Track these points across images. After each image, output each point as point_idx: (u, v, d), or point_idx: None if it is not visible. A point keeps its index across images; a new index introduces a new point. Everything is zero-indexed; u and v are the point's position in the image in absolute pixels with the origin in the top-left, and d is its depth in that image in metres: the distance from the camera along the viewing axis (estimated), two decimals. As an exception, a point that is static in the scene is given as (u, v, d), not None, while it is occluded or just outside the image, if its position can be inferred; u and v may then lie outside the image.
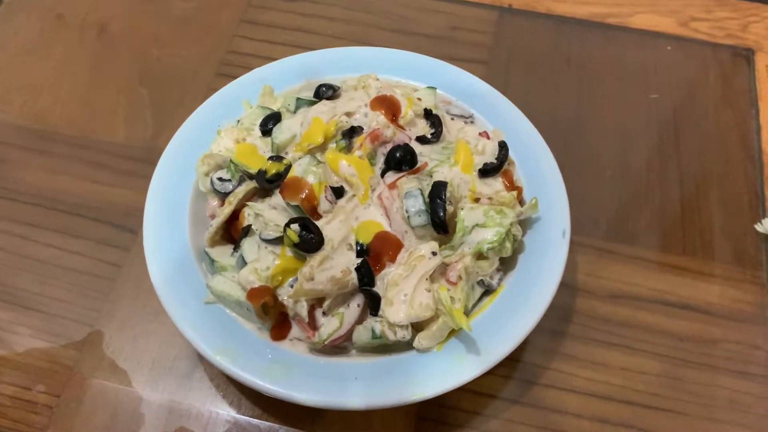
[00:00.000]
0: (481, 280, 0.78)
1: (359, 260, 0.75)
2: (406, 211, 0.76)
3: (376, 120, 0.84)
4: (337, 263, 0.74)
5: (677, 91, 1.11)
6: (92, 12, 1.22)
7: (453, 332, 0.75)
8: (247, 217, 0.79)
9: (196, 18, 1.21)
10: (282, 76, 0.95)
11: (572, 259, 0.94)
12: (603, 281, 0.93)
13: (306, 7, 1.23)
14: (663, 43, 1.18)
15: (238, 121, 0.90)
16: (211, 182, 0.83)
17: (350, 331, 0.75)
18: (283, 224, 0.74)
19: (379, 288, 0.75)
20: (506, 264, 0.81)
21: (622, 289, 0.91)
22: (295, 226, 0.73)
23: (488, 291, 0.79)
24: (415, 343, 0.73)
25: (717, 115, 1.09)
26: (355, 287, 0.75)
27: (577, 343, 0.88)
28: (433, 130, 0.86)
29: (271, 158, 0.83)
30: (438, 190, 0.76)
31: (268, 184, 0.80)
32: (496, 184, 0.81)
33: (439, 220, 0.75)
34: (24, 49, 1.17)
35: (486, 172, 0.81)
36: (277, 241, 0.75)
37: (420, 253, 0.75)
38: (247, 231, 0.78)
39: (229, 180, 0.83)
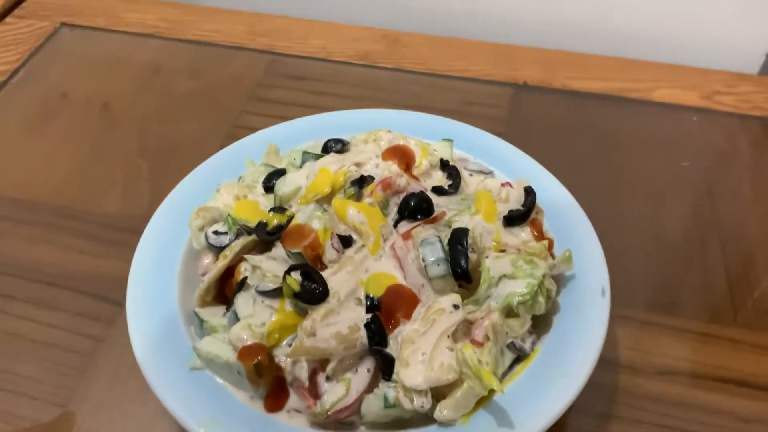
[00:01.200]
0: (512, 343, 0.67)
1: (369, 316, 0.65)
2: (423, 260, 0.67)
3: (389, 169, 0.76)
4: (343, 318, 0.64)
5: (708, 159, 1.05)
6: (97, 91, 1.19)
7: (481, 402, 0.63)
8: (244, 271, 0.70)
9: (203, 95, 1.18)
10: (289, 136, 0.89)
11: (611, 332, 0.82)
12: (648, 356, 0.81)
13: (315, 85, 1.20)
14: (688, 115, 1.13)
15: (240, 178, 0.83)
16: (206, 237, 0.74)
17: (358, 401, 0.63)
18: (282, 274, 0.65)
19: (392, 349, 0.64)
20: (539, 326, 0.70)
21: (670, 365, 0.80)
22: (295, 274, 0.64)
23: (520, 357, 0.68)
24: (436, 414, 0.61)
25: (752, 181, 1.01)
26: (365, 347, 0.64)
27: (626, 426, 0.75)
28: (450, 182, 0.78)
29: (273, 209, 0.75)
30: (459, 236, 0.68)
31: (268, 236, 0.71)
32: (524, 234, 0.72)
33: (461, 269, 0.66)
34: (25, 125, 1.13)
35: (512, 219, 0.72)
36: (275, 293, 0.66)
37: (439, 307, 0.64)
38: (242, 284, 0.68)
39: (226, 233, 0.74)
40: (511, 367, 0.68)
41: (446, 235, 0.69)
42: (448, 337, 0.63)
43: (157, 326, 0.69)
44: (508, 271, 0.67)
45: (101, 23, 1.33)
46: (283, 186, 0.78)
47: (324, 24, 1.32)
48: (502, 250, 0.70)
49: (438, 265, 0.67)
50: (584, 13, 1.29)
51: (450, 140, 0.84)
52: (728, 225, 0.95)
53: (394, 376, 0.63)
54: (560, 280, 0.73)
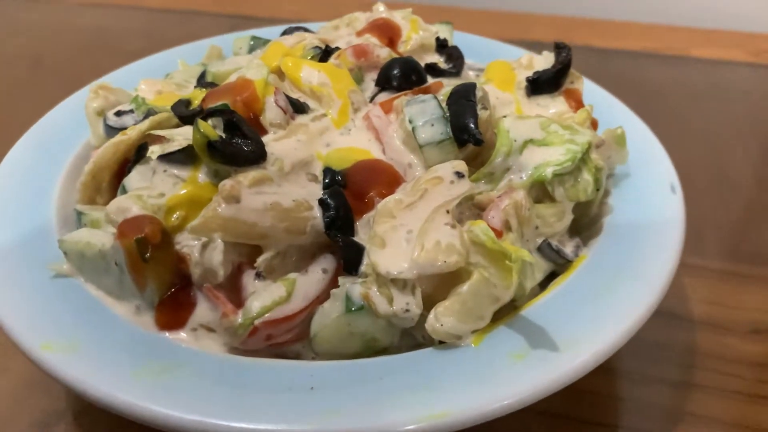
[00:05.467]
0: (546, 242, 0.44)
1: (328, 191, 0.42)
2: (410, 122, 0.45)
3: (366, 41, 0.56)
4: (286, 192, 0.41)
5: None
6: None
7: (502, 315, 0.40)
8: (150, 153, 0.47)
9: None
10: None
11: (679, 283, 0.60)
12: (735, 312, 0.59)
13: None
14: (733, 69, 0.94)
15: (167, 75, 0.62)
16: (104, 120, 0.53)
17: (306, 315, 0.40)
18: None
19: (361, 239, 0.41)
20: (583, 232, 0.48)
21: (765, 321, 0.55)
22: (214, 120, 0.42)
23: (557, 271, 0.45)
24: (429, 324, 0.38)
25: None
26: (319, 234, 0.41)
27: (712, 398, 0.51)
28: (451, 64, 0.57)
29: (199, 84, 0.54)
30: (463, 89, 0.46)
31: (186, 110, 0.50)
32: (557, 105, 0.50)
33: (468, 128, 0.44)
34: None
35: (538, 84, 0.51)
36: (185, 158, 0.43)
37: (436, 175, 0.42)
38: (139, 155, 0.46)
39: (131, 112, 0.52)
40: (546, 282, 0.44)
41: (443, 99, 0.47)
42: (448, 212, 0.40)
43: (22, 229, 0.46)
44: (537, 136, 0.45)
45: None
46: (219, 66, 0.57)
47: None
48: (526, 123, 0.48)
49: (432, 125, 0.45)
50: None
51: (449, 23, 0.63)
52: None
53: (362, 267, 0.39)
54: (611, 177, 0.50)
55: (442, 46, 0.59)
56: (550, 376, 0.36)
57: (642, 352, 0.52)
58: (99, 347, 0.38)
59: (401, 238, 0.39)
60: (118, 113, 0.52)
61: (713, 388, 0.51)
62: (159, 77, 0.61)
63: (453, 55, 0.58)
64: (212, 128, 0.41)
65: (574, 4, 1.11)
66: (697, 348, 0.55)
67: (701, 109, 0.85)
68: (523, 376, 0.36)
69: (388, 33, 0.57)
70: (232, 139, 0.42)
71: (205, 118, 0.42)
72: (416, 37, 0.58)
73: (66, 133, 0.56)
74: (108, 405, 0.35)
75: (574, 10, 1.10)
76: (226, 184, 0.39)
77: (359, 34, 0.58)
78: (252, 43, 0.62)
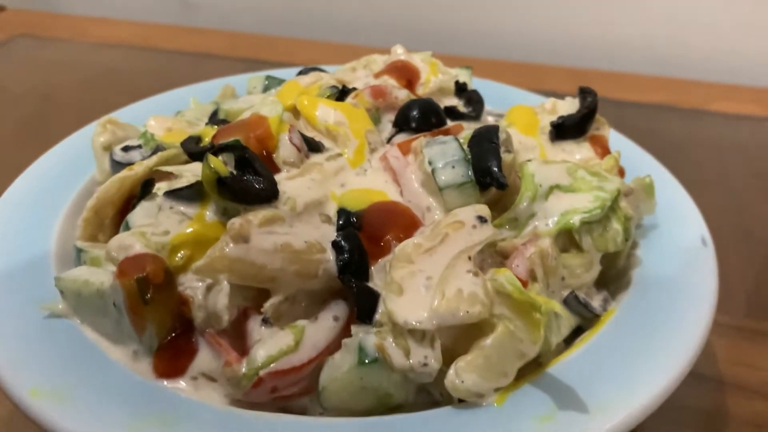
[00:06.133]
0: (574, 295, 0.41)
1: (342, 233, 0.40)
2: (430, 163, 0.43)
3: (384, 82, 0.54)
4: (298, 233, 0.39)
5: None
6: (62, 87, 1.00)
7: (526, 372, 0.37)
8: (156, 189, 0.45)
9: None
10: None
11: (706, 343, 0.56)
12: (762, 373, 0.54)
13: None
14: (751, 123, 0.92)
15: (178, 112, 0.61)
16: (111, 155, 0.51)
17: (315, 366, 0.37)
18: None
19: (376, 286, 0.39)
20: (611, 285, 0.45)
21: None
22: (225, 156, 0.40)
23: (583, 326, 0.42)
24: (449, 381, 0.35)
25: None
26: (331, 279, 0.39)
27: None
28: (469, 108, 0.56)
29: (210, 121, 0.52)
30: (485, 132, 0.44)
31: (199, 149, 0.48)
32: (582, 151, 0.48)
33: (490, 171, 0.41)
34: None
35: (563, 130, 0.49)
36: (193, 194, 0.41)
37: (456, 219, 0.40)
38: (144, 191, 0.44)
39: (138, 147, 0.51)
40: (572, 338, 0.41)
41: (463, 142, 0.45)
42: (469, 258, 0.38)
43: (17, 265, 0.44)
44: (564, 182, 0.43)
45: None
46: (232, 104, 0.55)
47: (320, 43, 1.15)
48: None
49: (453, 168, 0.43)
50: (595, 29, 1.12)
51: (469, 67, 0.62)
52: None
53: (377, 316, 0.37)
54: (638, 230, 0.48)
55: (461, 89, 0.57)
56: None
57: (666, 414, 0.49)
58: (92, 396, 0.35)
59: (420, 285, 0.36)
60: (126, 148, 0.51)
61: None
62: (169, 115, 0.60)
63: (473, 98, 0.56)
64: (223, 164, 0.39)
65: (589, 55, 1.11)
66: (725, 412, 0.52)
67: (721, 163, 0.83)
68: (554, 442, 0.33)
69: (407, 75, 0.56)
70: (243, 175, 0.39)
71: (216, 154, 0.40)
72: (435, 79, 0.56)
73: (72, 167, 0.54)
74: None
75: (590, 62, 1.10)
76: (235, 222, 0.37)
77: (377, 75, 0.57)
78: (267, 82, 0.60)
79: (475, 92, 0.56)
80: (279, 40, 1.17)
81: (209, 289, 0.37)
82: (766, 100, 0.99)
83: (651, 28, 1.10)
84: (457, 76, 0.58)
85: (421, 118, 0.49)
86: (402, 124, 0.50)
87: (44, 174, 0.53)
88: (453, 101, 0.57)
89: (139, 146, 0.50)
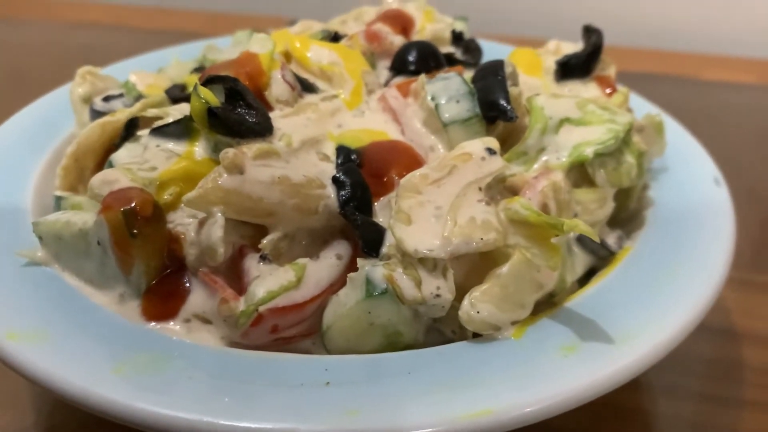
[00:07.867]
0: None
1: (342, 167, 0.38)
2: (432, 99, 0.40)
3: (378, 29, 0.52)
4: (295, 167, 0.36)
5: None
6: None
7: (543, 307, 0.35)
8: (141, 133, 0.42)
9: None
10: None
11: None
12: None
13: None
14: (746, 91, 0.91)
15: (159, 69, 0.57)
16: (91, 106, 0.48)
17: (317, 303, 0.34)
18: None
19: (381, 223, 0.36)
20: (624, 225, 0.43)
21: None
22: (216, 87, 0.37)
23: (597, 266, 0.40)
24: (464, 312, 0.32)
25: None
26: (332, 215, 0.36)
27: (748, 412, 0.45)
28: (469, 55, 0.53)
29: (196, 69, 0.49)
30: (490, 66, 0.42)
31: (182, 93, 0.45)
32: (589, 90, 0.46)
33: (498, 103, 0.39)
34: None
35: (569, 69, 0.47)
36: (181, 131, 0.38)
37: (464, 151, 0.37)
38: (129, 130, 0.41)
39: (120, 96, 0.48)
40: (586, 278, 0.39)
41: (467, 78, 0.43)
42: (480, 189, 0.35)
43: None
44: (574, 115, 0.41)
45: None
46: (218, 54, 0.53)
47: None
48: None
49: (457, 102, 0.40)
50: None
51: (465, 18, 0.59)
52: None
53: (384, 249, 0.34)
54: (647, 173, 0.46)
55: (458, 38, 0.55)
56: (609, 369, 0.31)
57: (670, 364, 0.47)
58: (73, 337, 0.32)
59: (429, 215, 0.34)
60: (107, 98, 0.47)
61: (749, 402, 0.46)
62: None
63: (470, 46, 0.54)
64: (213, 95, 0.36)
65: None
66: (739, 362, 0.50)
67: (716, 127, 0.82)
68: (578, 369, 0.31)
69: (401, 23, 0.54)
70: (236, 108, 0.37)
71: (204, 86, 0.37)
72: (431, 27, 0.54)
73: (51, 122, 0.50)
74: (84, 402, 0.29)
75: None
76: (229, 152, 0.34)
77: (369, 25, 0.54)
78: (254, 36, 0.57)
79: (472, 40, 0.54)
80: (261, 18, 1.14)
81: (202, 224, 0.34)
82: (758, 70, 0.98)
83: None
84: (453, 25, 0.56)
85: (419, 60, 0.47)
86: (399, 66, 0.47)
87: (22, 127, 0.50)
88: (449, 50, 0.54)
89: (121, 95, 0.47)
